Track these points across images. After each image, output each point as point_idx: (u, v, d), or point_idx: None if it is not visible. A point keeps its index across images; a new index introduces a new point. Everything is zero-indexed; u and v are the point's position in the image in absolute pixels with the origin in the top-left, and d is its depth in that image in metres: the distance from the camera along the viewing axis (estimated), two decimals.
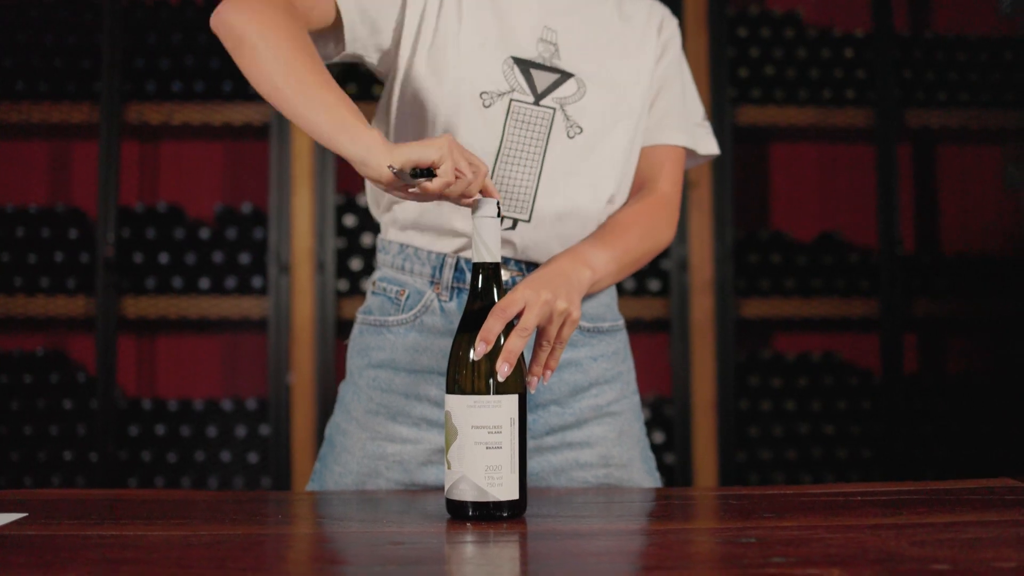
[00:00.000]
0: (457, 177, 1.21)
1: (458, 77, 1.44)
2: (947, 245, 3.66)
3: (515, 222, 1.46)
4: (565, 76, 1.48)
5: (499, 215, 1.20)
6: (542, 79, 1.46)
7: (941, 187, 3.72)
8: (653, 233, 1.52)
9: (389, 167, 1.20)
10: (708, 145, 1.62)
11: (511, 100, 1.45)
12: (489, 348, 1.18)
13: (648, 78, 1.55)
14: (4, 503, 1.28)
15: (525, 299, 1.24)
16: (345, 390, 1.55)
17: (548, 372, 1.28)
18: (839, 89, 3.43)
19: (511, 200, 1.45)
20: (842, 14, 3.62)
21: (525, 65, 1.46)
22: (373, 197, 1.58)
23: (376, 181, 1.23)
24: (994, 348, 3.44)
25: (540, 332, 1.27)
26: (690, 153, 1.62)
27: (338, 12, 1.43)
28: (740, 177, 3.50)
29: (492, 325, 1.18)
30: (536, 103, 1.46)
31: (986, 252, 3.50)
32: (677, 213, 1.58)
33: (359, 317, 1.56)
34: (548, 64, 1.47)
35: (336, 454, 1.51)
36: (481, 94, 1.44)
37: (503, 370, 1.16)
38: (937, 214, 3.70)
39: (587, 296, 1.50)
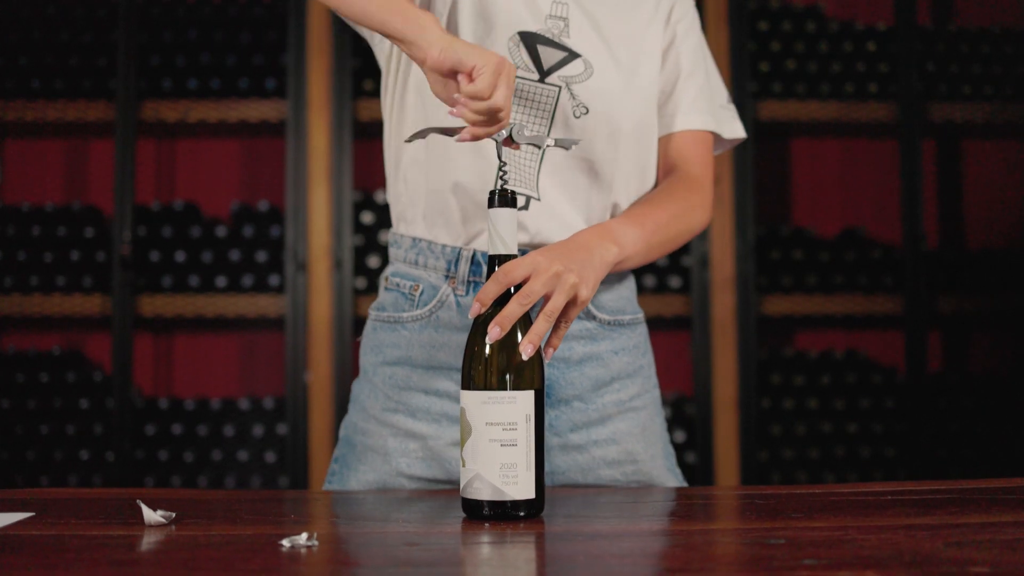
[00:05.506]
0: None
1: None
2: (972, 241, 3.61)
3: (528, 201, 1.42)
4: (572, 55, 1.42)
5: (515, 204, 1.16)
6: (548, 56, 1.41)
7: (965, 182, 3.66)
8: (686, 214, 1.47)
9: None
10: (734, 128, 1.58)
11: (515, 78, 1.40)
12: (483, 311, 1.14)
13: (659, 55, 1.50)
14: (11, 503, 1.25)
15: (533, 265, 1.18)
16: (360, 388, 1.52)
17: (551, 350, 1.22)
18: (861, 83, 3.38)
19: (519, 178, 1.41)
20: (864, 7, 3.57)
21: (532, 40, 1.41)
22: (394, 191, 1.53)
23: (421, 63, 1.21)
24: (1020, 345, 3.38)
25: (544, 302, 1.20)
26: (716, 137, 1.57)
27: None
28: (761, 172, 3.46)
29: (488, 288, 1.14)
30: (541, 80, 1.41)
31: (1011, 248, 3.44)
32: (711, 196, 1.53)
33: (372, 314, 1.53)
34: (556, 41, 1.42)
35: (359, 453, 1.48)
36: None
37: (493, 332, 1.12)
38: (961, 209, 3.65)
39: (611, 281, 1.47)
